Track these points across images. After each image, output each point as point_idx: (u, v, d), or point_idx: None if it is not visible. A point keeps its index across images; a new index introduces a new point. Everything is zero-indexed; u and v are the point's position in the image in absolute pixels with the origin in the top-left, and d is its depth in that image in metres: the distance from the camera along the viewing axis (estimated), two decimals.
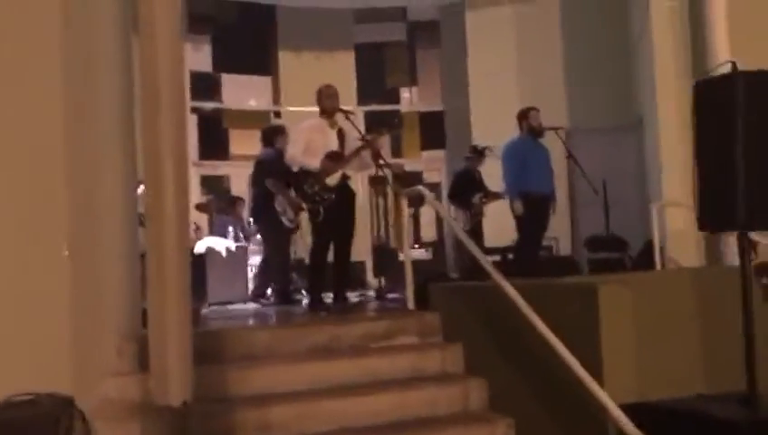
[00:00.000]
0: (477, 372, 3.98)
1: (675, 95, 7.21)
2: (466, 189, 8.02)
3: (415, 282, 5.30)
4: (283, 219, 6.30)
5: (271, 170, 6.49)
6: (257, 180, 6.68)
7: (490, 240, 8.94)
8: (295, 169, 5.56)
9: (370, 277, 11.09)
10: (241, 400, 3.55)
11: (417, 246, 8.97)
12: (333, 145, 5.63)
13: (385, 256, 8.44)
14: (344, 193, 5.55)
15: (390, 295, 7.50)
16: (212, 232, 8.39)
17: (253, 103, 11.20)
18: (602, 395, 2.96)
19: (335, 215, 5.43)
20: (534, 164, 6.46)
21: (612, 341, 3.30)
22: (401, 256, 8.77)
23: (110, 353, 3.51)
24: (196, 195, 10.34)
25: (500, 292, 3.56)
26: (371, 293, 8.01)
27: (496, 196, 7.92)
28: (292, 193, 6.13)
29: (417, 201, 10.29)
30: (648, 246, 7.37)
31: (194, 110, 10.66)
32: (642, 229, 9.09)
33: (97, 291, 3.51)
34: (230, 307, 6.42)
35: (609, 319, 3.30)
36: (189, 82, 10.56)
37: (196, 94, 10.70)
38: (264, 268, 6.87)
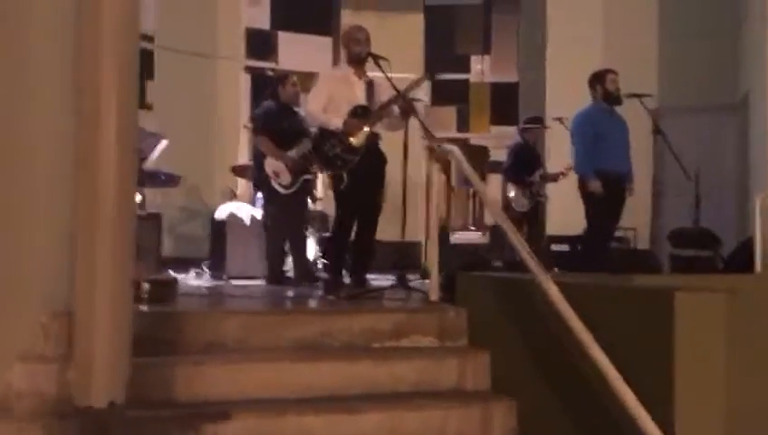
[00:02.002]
0: (506, 390, 3.06)
1: None
2: (524, 166, 7.02)
3: (450, 268, 4.41)
4: (275, 185, 5.45)
5: (264, 126, 5.65)
6: (254, 141, 5.88)
7: (557, 227, 7.89)
8: (314, 127, 4.71)
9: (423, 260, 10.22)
10: (191, 406, 2.75)
11: (473, 227, 7.99)
12: (360, 99, 4.74)
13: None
14: (372, 156, 4.66)
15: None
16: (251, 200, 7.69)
17: (310, 65, 10.39)
18: None
19: (361, 181, 4.56)
20: (609, 137, 5.39)
21: (690, 367, 2.33)
22: (454, 238, 7.94)
23: (28, 331, 2.77)
24: (245, 158, 9.70)
25: (543, 289, 2.63)
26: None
27: (555, 177, 6.90)
28: (293, 152, 5.33)
29: (479, 175, 9.42)
30: (746, 244, 6.17)
31: (247, 69, 9.97)
32: (739, 225, 7.89)
33: (15, 248, 2.77)
34: (241, 282, 5.62)
35: (687, 337, 2.33)
36: (244, 39, 9.93)
37: (251, 52, 10.01)
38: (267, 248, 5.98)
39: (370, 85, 4.81)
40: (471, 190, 9.45)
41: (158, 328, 3.00)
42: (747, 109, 7.84)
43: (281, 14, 10.22)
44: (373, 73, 4.87)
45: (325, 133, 4.63)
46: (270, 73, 9.92)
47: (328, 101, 4.67)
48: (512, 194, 7.26)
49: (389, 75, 4.43)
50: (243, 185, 8.96)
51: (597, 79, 5.52)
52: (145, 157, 5.91)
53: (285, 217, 5.56)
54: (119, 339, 2.60)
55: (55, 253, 2.77)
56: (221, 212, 6.16)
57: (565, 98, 8.69)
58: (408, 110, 4.58)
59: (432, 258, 3.65)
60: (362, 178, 4.55)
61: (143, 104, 9.12)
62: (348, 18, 10.21)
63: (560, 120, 6.81)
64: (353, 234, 4.69)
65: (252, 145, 5.93)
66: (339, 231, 4.68)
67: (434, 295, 3.63)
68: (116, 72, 2.62)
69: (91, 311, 2.58)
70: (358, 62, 4.76)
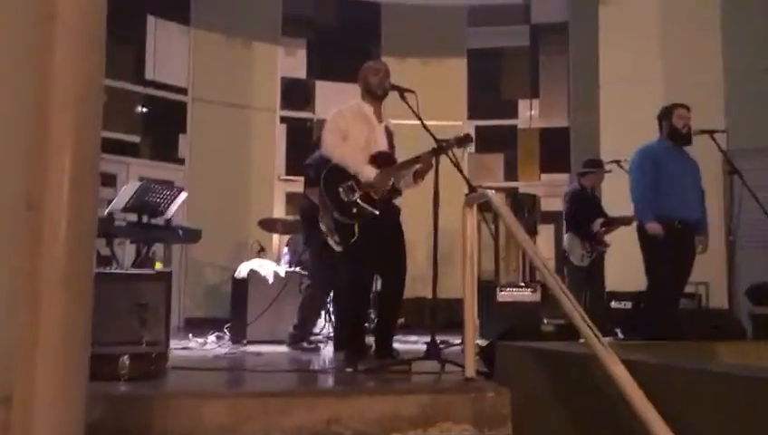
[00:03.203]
0: None
1: None
2: (584, 214, 6.29)
3: (495, 332, 3.75)
4: (330, 241, 4.89)
5: (318, 177, 5.12)
6: (306, 191, 5.34)
7: (617, 281, 7.11)
8: (335, 162, 4.05)
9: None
10: None
11: (523, 284, 7.27)
12: (381, 142, 4.09)
13: (482, 295, 6.78)
14: (387, 209, 3.99)
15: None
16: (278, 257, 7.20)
17: None
18: None
19: (378, 239, 3.92)
20: (677, 178, 4.67)
21: None
22: (501, 296, 7.20)
23: None
24: (280, 215, 9.26)
25: (607, 370, 1.97)
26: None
27: (622, 221, 6.11)
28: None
29: (528, 228, 8.71)
30: None
31: (283, 119, 9.61)
32: None
33: None
34: (259, 348, 5.01)
35: None
36: (280, 89, 9.60)
37: (287, 102, 9.65)
38: (302, 309, 5.42)
39: (389, 130, 4.19)
40: None
41: (124, 415, 2.43)
42: None
43: (318, 63, 9.88)
44: (395, 121, 4.30)
45: (340, 171, 3.99)
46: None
47: (342, 138, 4.04)
48: (570, 247, 6.51)
49: (419, 113, 3.75)
50: (274, 240, 8.50)
51: (665, 113, 4.83)
52: (162, 211, 5.46)
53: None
54: (66, 430, 2.04)
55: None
56: (243, 270, 5.62)
57: (621, 141, 8.05)
58: (421, 171, 3.96)
59: (468, 323, 2.99)
60: (382, 230, 3.92)
61: (174, 158, 8.81)
62: (390, 64, 9.74)
63: (617, 162, 6.12)
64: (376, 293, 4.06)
65: (303, 197, 5.38)
66: (355, 291, 4.00)
67: (470, 370, 2.97)
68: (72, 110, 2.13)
69: (30, 395, 2.03)
70: (376, 98, 4.14)
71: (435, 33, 9.75)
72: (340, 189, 3.94)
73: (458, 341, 4.09)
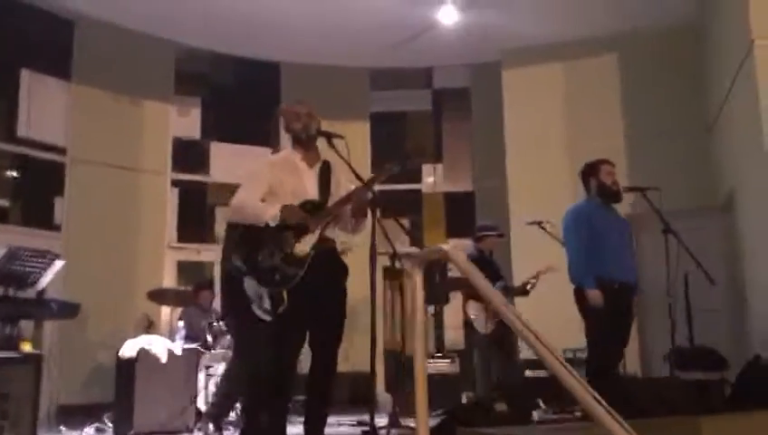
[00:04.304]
0: None
1: None
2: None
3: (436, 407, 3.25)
4: (256, 310, 4.29)
5: (245, 239, 4.55)
6: (226, 253, 4.73)
7: (527, 349, 6.77)
8: (248, 222, 3.52)
9: (381, 393, 8.93)
10: None
11: (439, 354, 6.83)
12: (311, 192, 3.59)
13: (401, 366, 6.28)
14: (326, 268, 3.47)
15: (410, 424, 5.34)
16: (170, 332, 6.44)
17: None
18: None
19: (310, 302, 3.38)
20: (611, 239, 4.41)
21: None
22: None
23: None
24: (171, 283, 8.46)
25: None
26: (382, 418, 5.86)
27: (518, 291, 5.87)
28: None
29: (438, 296, 8.34)
30: (755, 364, 5.24)
31: (175, 183, 8.90)
32: (736, 340, 6.98)
33: None
34: None
35: None
36: (171, 150, 8.92)
37: (179, 164, 8.97)
38: (225, 382, 4.76)
39: (325, 173, 3.68)
40: (434, 309, 8.35)
41: None
42: (734, 208, 7.12)
43: (213, 123, 9.31)
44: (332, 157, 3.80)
45: (259, 237, 3.44)
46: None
47: (267, 193, 3.52)
48: (473, 314, 6.12)
49: (348, 159, 3.34)
50: (166, 313, 7.68)
51: (590, 171, 4.61)
52: (33, 282, 4.67)
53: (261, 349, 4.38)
54: None
55: None
56: (129, 348, 4.85)
57: (530, 204, 7.92)
58: (366, 206, 3.51)
59: (421, 408, 2.46)
60: (311, 296, 3.38)
61: (48, 224, 7.89)
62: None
63: (539, 223, 5.86)
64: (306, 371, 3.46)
65: (223, 259, 4.73)
66: (275, 368, 3.41)
67: None
68: None
69: None
70: (304, 143, 3.65)
71: (337, 96, 9.45)
72: (259, 255, 3.40)
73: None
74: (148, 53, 8.64)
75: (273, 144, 8.83)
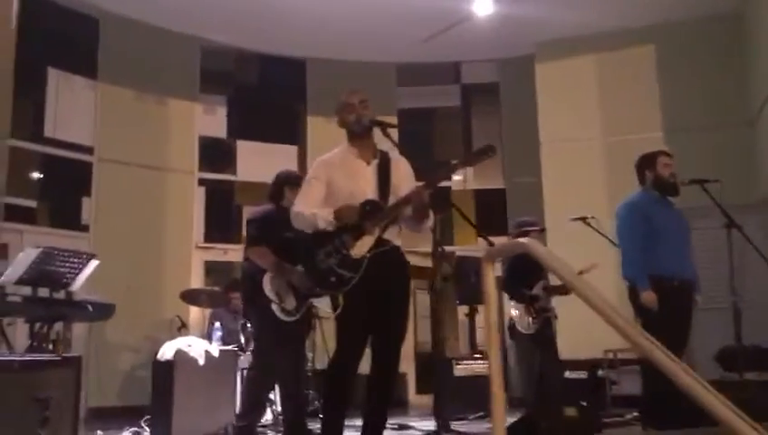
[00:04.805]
0: None
1: None
2: (522, 278, 5.70)
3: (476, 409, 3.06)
4: (275, 308, 4.13)
5: (263, 235, 4.39)
6: (245, 252, 4.58)
7: (568, 350, 6.55)
8: (309, 231, 3.31)
9: (412, 396, 8.76)
10: None
11: (478, 356, 6.65)
12: (368, 190, 3.32)
13: (437, 368, 6.09)
14: (385, 269, 3.23)
15: (459, 428, 5.19)
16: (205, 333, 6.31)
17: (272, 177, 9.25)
18: None
19: (369, 304, 3.18)
20: (670, 233, 4.19)
21: None
22: (457, 370, 6.59)
23: None
24: (198, 284, 8.33)
25: None
26: (415, 422, 5.68)
27: (560, 290, 5.63)
28: (301, 267, 3.91)
29: (473, 296, 8.14)
30: None
31: (201, 182, 8.78)
32: None
33: None
34: None
35: None
36: (198, 149, 8.80)
37: (205, 163, 8.85)
38: (250, 388, 4.58)
39: (384, 167, 3.42)
40: (468, 309, 8.17)
41: None
42: None
43: (239, 122, 9.18)
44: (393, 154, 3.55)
45: (320, 238, 3.27)
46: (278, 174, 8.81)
47: (325, 197, 3.33)
48: (514, 313, 5.91)
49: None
50: (195, 314, 7.55)
51: (646, 162, 4.39)
52: (67, 283, 4.53)
53: (281, 354, 4.25)
54: None
55: None
56: (166, 350, 4.70)
57: (565, 200, 7.72)
58: (427, 207, 3.30)
59: (498, 413, 2.28)
60: (371, 300, 3.17)
61: (75, 225, 7.78)
62: (315, 126, 9.22)
63: (583, 219, 5.64)
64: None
65: (243, 259, 4.60)
66: (335, 372, 3.24)
67: None
68: None
69: None
70: (359, 137, 3.43)
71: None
72: (317, 258, 3.24)
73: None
74: (173, 50, 8.53)
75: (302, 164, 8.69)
